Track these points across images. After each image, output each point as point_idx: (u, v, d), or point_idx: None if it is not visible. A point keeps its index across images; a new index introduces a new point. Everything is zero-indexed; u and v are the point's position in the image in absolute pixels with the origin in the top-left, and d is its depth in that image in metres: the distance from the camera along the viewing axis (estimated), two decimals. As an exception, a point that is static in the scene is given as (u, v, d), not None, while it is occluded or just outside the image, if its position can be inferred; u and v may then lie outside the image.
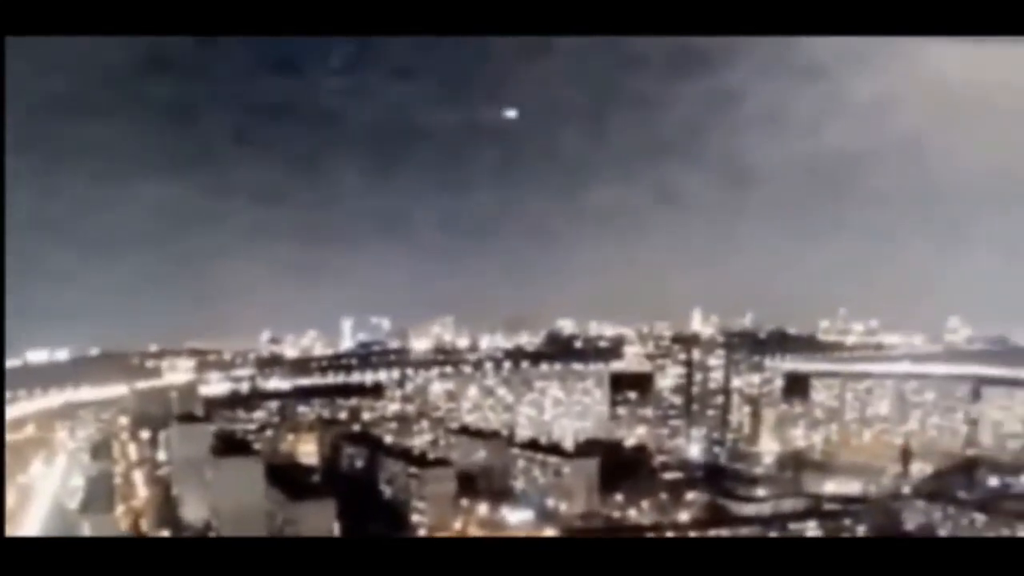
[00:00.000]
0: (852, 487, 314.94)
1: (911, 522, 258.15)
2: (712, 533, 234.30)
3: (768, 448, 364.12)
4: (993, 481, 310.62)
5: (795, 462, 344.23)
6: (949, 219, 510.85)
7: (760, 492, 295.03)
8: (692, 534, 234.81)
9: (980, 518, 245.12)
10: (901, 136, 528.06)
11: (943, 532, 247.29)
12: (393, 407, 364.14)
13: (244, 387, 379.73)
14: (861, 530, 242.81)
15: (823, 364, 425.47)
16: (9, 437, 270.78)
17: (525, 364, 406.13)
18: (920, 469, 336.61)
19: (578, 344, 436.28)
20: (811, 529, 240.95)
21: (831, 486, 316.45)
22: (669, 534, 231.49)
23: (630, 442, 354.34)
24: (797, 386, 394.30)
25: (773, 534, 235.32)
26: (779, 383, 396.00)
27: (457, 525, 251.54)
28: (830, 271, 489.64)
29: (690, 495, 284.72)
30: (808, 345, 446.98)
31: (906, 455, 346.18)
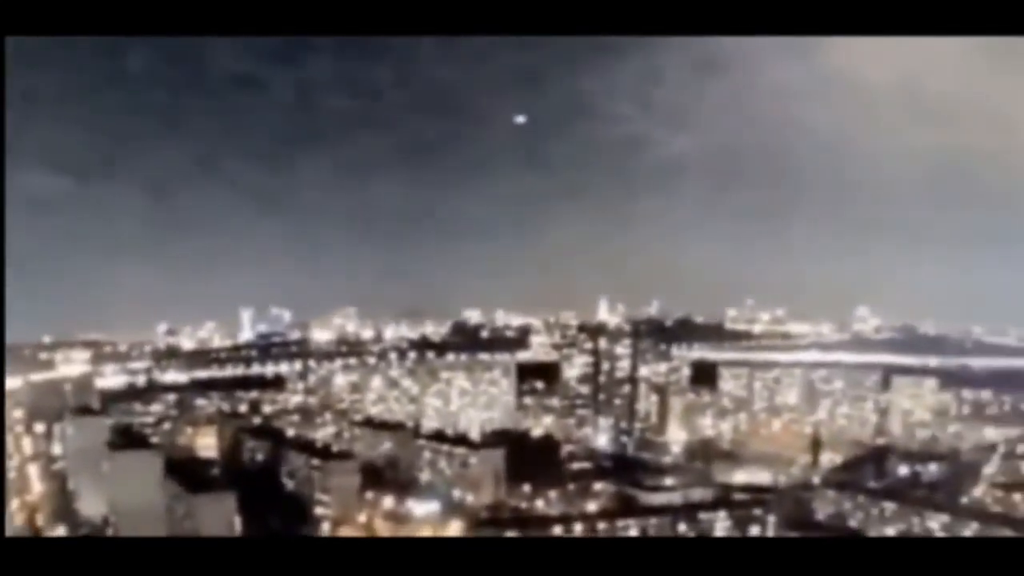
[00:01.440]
0: (762, 477, 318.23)
1: (821, 512, 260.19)
2: (620, 524, 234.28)
3: (676, 437, 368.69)
4: (903, 470, 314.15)
5: (703, 451, 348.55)
6: (856, 210, 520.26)
7: (668, 482, 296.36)
8: (602, 525, 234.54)
9: (890, 507, 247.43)
10: (811, 129, 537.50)
11: (853, 522, 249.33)
12: (295, 399, 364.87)
13: (140, 379, 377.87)
14: (772, 520, 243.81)
15: (731, 353, 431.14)
16: None
17: (431, 355, 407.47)
18: (830, 458, 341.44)
19: (484, 334, 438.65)
20: (721, 519, 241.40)
21: (740, 476, 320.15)
22: (578, 527, 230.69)
23: (537, 432, 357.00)
24: (705, 375, 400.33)
25: (682, 526, 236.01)
26: (686, 372, 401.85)
27: (362, 518, 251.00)
28: (737, 260, 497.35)
29: (598, 485, 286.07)
30: (715, 334, 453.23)
31: (816, 444, 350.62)
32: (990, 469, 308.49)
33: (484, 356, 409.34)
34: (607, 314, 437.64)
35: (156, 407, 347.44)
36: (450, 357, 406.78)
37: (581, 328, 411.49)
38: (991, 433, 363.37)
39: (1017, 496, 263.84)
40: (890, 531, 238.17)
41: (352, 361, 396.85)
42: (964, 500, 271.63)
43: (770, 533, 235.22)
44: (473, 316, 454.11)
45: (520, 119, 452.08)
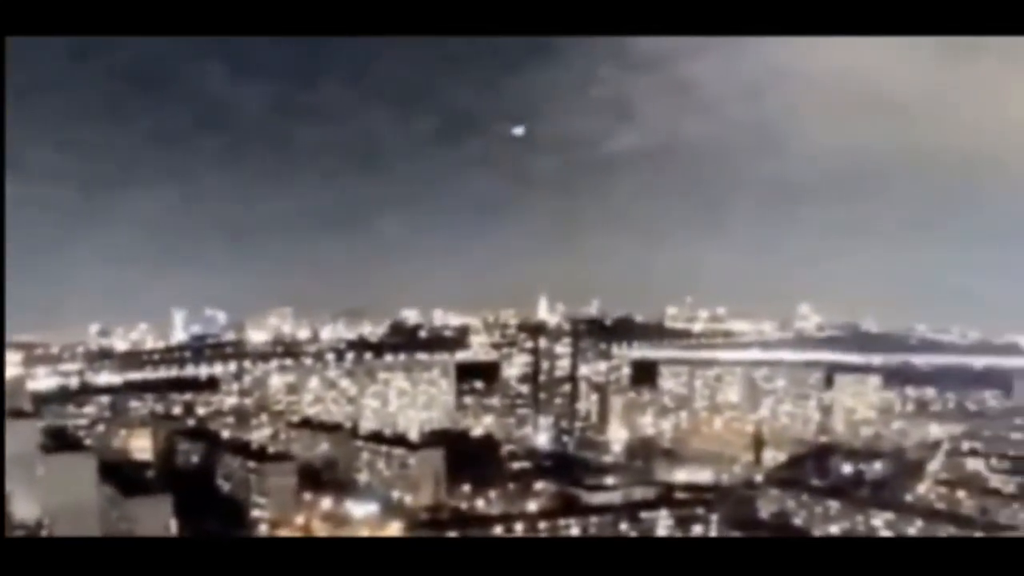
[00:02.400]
0: (703, 475, 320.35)
1: (764, 510, 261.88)
2: (562, 523, 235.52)
3: (617, 436, 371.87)
4: (847, 468, 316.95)
5: (644, 450, 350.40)
6: (797, 208, 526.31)
7: (609, 481, 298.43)
8: (543, 525, 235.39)
9: (834, 505, 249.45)
10: (751, 126, 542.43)
11: (797, 520, 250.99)
12: (230, 401, 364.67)
13: (73, 381, 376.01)
14: (714, 519, 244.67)
15: (671, 351, 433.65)
16: None
17: (368, 355, 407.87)
18: (773, 457, 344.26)
19: (423, 334, 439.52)
20: (663, 518, 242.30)
21: (682, 474, 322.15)
22: (519, 526, 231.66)
23: (477, 432, 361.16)
24: (645, 373, 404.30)
25: (624, 524, 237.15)
26: (627, 371, 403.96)
27: (300, 520, 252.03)
28: (676, 259, 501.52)
29: (539, 484, 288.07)
30: (655, 332, 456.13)
31: (758, 442, 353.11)
32: (934, 466, 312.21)
33: (423, 356, 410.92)
34: (547, 313, 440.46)
35: (89, 409, 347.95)
36: (388, 357, 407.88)
37: (521, 327, 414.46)
38: (935, 430, 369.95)
39: (961, 493, 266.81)
40: (834, 529, 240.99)
41: (288, 362, 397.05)
42: (908, 497, 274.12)
43: (713, 532, 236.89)
44: (411, 316, 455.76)
45: (518, 131, 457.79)
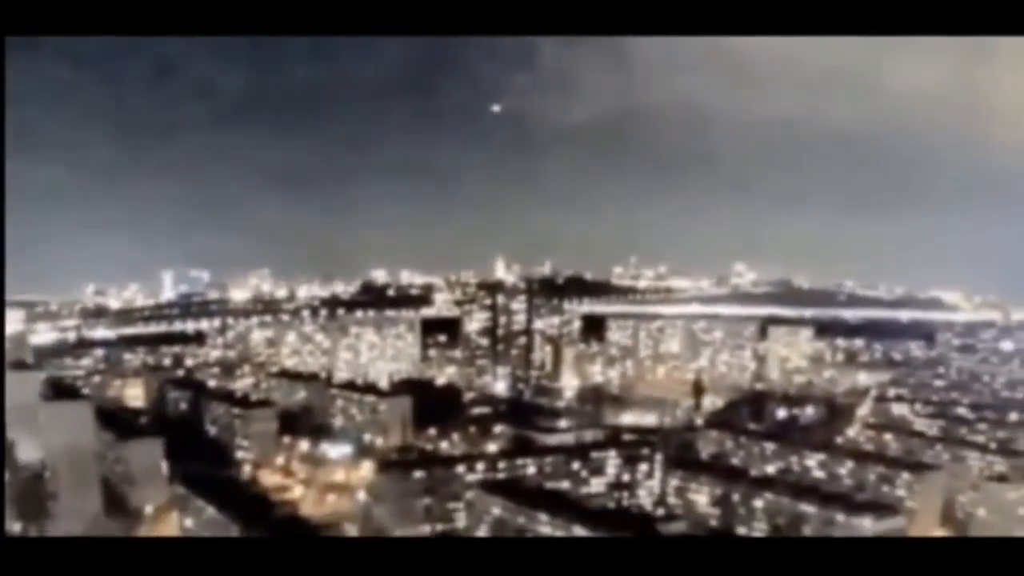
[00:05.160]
0: (648, 419, 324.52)
1: (704, 451, 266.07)
2: (519, 462, 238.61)
3: (569, 383, 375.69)
4: (781, 412, 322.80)
5: (594, 396, 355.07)
6: (732, 172, 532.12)
7: (562, 424, 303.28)
8: (501, 464, 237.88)
9: (770, 446, 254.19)
10: (685, 95, 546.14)
11: (735, 460, 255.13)
12: (215, 353, 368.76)
13: (71, 336, 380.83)
14: (659, 458, 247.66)
15: (618, 306, 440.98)
16: None
17: (341, 312, 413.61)
18: (712, 402, 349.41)
19: (391, 292, 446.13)
20: (612, 458, 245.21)
21: (628, 418, 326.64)
22: (479, 466, 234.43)
23: (441, 381, 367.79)
24: (594, 326, 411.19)
25: (576, 463, 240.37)
26: (577, 324, 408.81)
27: (280, 460, 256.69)
28: (622, 221, 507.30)
29: (497, 428, 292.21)
30: (603, 289, 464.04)
31: (698, 389, 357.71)
32: (863, 411, 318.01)
33: (391, 312, 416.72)
34: (504, 272, 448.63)
35: (86, 361, 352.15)
36: (359, 314, 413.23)
37: (480, 286, 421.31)
38: (863, 378, 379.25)
39: (888, 436, 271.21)
40: (770, 469, 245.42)
41: (268, 318, 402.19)
42: (839, 440, 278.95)
43: (657, 471, 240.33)
44: (380, 276, 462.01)
45: (495, 108, 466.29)
